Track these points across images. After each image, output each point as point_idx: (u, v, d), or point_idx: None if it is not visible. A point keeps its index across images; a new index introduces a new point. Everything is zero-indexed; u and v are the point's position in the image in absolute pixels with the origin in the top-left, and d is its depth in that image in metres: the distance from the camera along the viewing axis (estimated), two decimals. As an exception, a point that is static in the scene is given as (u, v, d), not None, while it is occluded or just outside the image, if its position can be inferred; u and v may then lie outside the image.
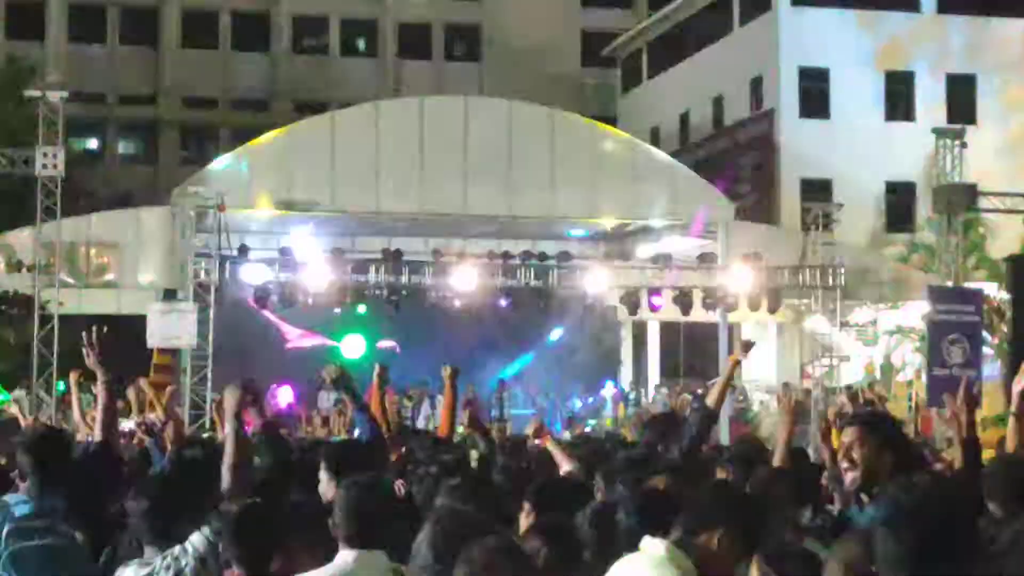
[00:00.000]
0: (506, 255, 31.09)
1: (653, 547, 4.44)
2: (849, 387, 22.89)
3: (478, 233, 32.20)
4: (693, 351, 35.80)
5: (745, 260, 29.90)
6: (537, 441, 8.92)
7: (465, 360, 31.49)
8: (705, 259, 31.58)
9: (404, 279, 29.36)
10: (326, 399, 28.46)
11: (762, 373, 33.52)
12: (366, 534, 5.19)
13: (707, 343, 32.89)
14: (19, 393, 19.87)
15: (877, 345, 32.49)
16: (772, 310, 31.10)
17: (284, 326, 32.57)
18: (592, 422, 30.67)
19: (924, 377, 27.42)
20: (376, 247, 31.50)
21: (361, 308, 31.01)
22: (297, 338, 32.73)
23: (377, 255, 30.41)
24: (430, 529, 4.48)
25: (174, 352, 28.06)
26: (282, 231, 31.53)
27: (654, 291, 30.29)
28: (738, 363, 8.59)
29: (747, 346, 8.89)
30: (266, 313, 30.77)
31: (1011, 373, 23.95)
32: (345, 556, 5.17)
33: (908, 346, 31.79)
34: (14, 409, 10.07)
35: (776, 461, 7.28)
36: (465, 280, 29.10)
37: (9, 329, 28.47)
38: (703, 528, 4.46)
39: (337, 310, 30.86)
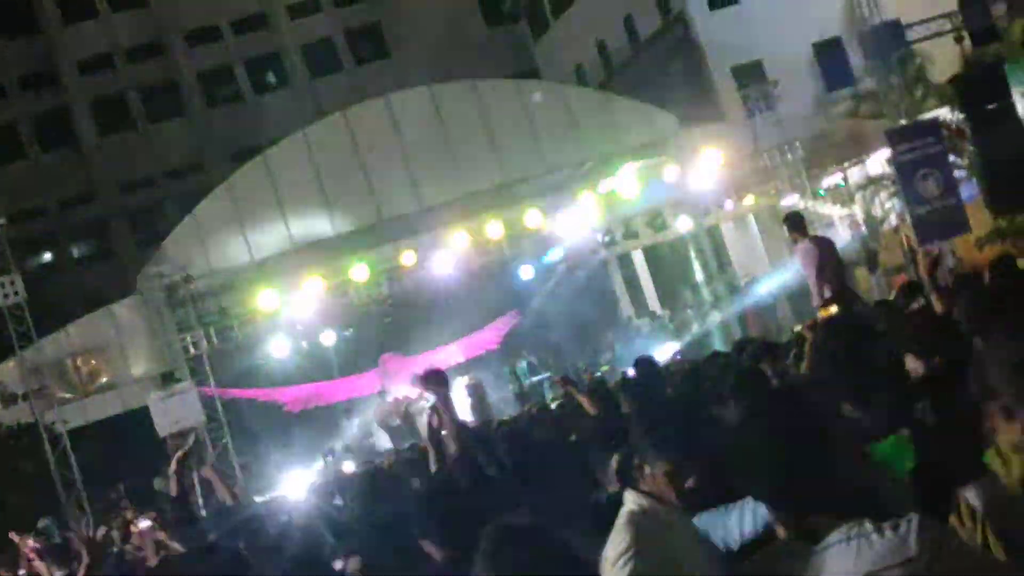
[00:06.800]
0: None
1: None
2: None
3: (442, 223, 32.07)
4: (682, 269, 35.85)
5: (702, 164, 29.87)
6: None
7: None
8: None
9: (385, 289, 29.27)
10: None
11: (755, 268, 33.61)
12: None
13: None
14: (44, 523, 19.29)
15: (854, 204, 32.53)
16: (741, 201, 31.29)
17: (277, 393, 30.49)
18: (604, 367, 30.58)
19: (908, 219, 27.44)
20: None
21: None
22: (295, 400, 30.47)
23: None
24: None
25: (187, 433, 27.83)
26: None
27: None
28: None
29: None
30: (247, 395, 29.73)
31: (988, 187, 23.97)
32: None
33: (883, 194, 31.82)
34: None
35: None
36: (446, 265, 28.93)
37: (25, 460, 28.25)
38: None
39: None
